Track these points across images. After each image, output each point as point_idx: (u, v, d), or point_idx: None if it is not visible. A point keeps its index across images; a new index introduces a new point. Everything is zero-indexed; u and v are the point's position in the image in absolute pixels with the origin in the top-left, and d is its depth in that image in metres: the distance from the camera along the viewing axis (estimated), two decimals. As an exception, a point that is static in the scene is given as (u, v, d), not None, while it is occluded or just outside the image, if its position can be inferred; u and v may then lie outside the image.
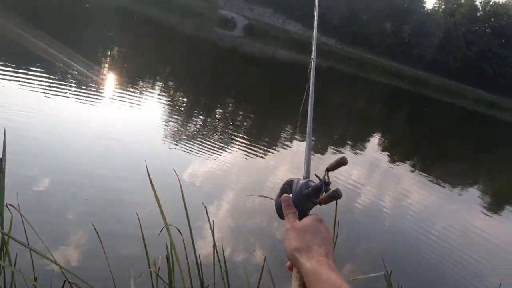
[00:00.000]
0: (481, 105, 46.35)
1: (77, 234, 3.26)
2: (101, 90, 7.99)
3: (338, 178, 6.62)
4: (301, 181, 0.85)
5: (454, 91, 53.09)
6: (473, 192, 9.38)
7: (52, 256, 1.62)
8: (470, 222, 6.96)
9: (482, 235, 6.39)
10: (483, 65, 73.02)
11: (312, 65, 1.20)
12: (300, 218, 0.82)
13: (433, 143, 15.07)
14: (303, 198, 0.82)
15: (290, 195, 0.84)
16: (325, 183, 0.82)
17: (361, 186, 6.89)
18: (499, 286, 1.98)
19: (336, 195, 0.79)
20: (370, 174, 8.29)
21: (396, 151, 11.87)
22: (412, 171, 9.40)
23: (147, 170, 1.56)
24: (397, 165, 9.60)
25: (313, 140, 9.10)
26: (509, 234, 7.18)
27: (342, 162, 0.87)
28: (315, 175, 0.85)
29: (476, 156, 15.49)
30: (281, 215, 0.85)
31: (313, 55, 1.24)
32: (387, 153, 10.74)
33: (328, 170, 0.86)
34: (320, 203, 0.82)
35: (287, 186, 0.88)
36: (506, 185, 12.01)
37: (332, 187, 0.82)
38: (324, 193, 0.82)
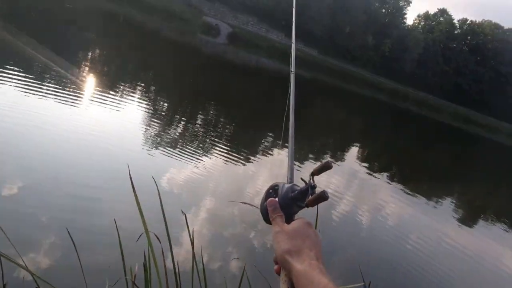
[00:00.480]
0: (458, 120, 47.63)
1: (50, 239, 3.16)
2: (79, 93, 7.84)
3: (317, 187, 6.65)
4: (287, 185, 0.85)
5: (431, 105, 54.45)
6: (448, 205, 9.58)
7: (23, 261, 1.56)
8: (445, 234, 7.08)
9: (457, 246, 6.52)
10: (459, 81, 75.35)
11: (292, 76, 1.23)
12: (287, 222, 0.81)
13: (410, 155, 15.36)
14: (289, 201, 0.82)
15: (276, 199, 0.83)
16: (311, 187, 0.82)
17: (339, 196, 6.94)
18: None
19: (323, 196, 0.80)
20: (348, 185, 8.36)
21: (375, 162, 12.03)
22: (389, 183, 9.54)
23: (130, 175, 1.53)
24: (375, 176, 9.72)
25: (294, 150, 9.14)
26: (481, 246, 7.34)
27: (327, 166, 0.87)
28: (301, 178, 0.85)
29: (451, 169, 15.85)
30: (267, 220, 0.84)
31: (292, 67, 1.27)
32: (365, 164, 10.87)
33: (313, 174, 0.86)
34: (308, 206, 0.82)
35: (272, 191, 0.87)
36: (479, 198, 12.32)
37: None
38: (310, 196, 0.81)
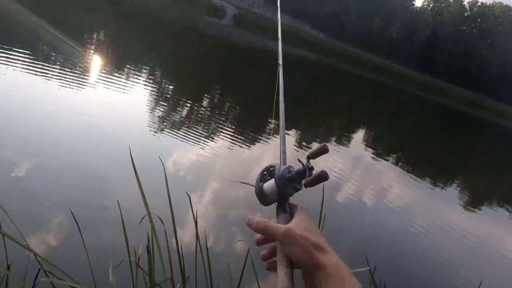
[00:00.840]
0: (464, 104, 47.15)
1: (54, 220, 3.17)
2: (85, 73, 7.80)
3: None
4: (283, 166, 0.82)
5: (438, 89, 53.86)
6: (453, 189, 9.55)
7: (27, 242, 1.56)
8: (449, 218, 7.07)
9: (462, 231, 6.51)
10: (467, 65, 74.22)
11: (280, 70, 1.22)
12: (280, 202, 0.80)
13: (416, 140, 15.27)
14: (286, 182, 0.79)
15: (272, 180, 0.81)
16: (309, 168, 0.80)
17: (343, 180, 6.92)
18: (479, 283, 1.99)
19: (323, 176, 0.77)
20: (352, 169, 8.34)
21: (380, 146, 11.98)
22: (395, 167, 9.50)
23: (131, 156, 1.50)
24: (380, 160, 9.68)
25: (294, 134, 9.09)
26: (486, 231, 7.33)
27: (323, 150, 0.84)
28: (298, 160, 0.83)
29: (456, 154, 15.75)
30: (262, 201, 0.82)
31: (280, 60, 1.25)
32: (370, 148, 10.82)
33: (309, 157, 0.83)
34: (306, 186, 0.79)
35: (266, 173, 0.85)
36: (485, 183, 12.26)
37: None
38: (308, 178, 0.79)
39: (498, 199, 10.29)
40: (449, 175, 11.22)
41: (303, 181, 0.79)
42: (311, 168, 0.80)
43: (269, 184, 0.82)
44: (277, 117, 1.03)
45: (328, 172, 0.78)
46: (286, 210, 0.80)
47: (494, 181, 13.17)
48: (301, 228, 0.72)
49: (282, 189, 0.79)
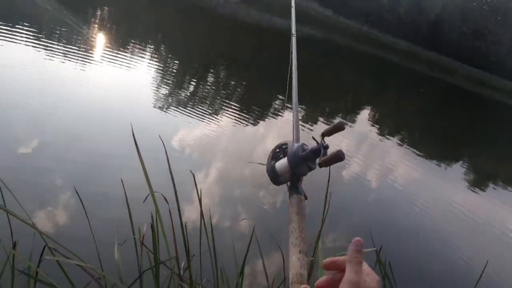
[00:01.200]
0: (473, 83, 46.44)
1: (59, 198, 3.18)
2: (89, 49, 7.73)
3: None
4: (296, 144, 0.78)
5: (447, 67, 53.04)
6: (459, 168, 9.49)
7: (32, 221, 1.55)
8: (455, 198, 7.05)
9: (470, 211, 6.48)
10: (477, 43, 72.73)
11: (293, 40, 1.16)
12: (292, 182, 0.76)
13: (423, 118, 15.12)
14: (299, 161, 0.75)
15: (285, 158, 0.77)
16: (324, 147, 0.75)
17: (349, 159, 6.89)
18: (486, 263, 1.97)
19: (340, 156, 0.71)
20: (358, 147, 8.29)
21: (386, 125, 11.88)
22: (400, 145, 9.44)
23: (133, 133, 1.48)
24: (386, 139, 9.62)
25: (303, 111, 9.02)
26: (492, 210, 7.31)
27: (339, 127, 0.80)
28: (312, 137, 0.78)
29: (463, 133, 15.62)
30: (274, 180, 0.78)
31: (293, 30, 1.20)
32: (376, 126, 10.74)
33: (324, 135, 0.79)
34: (321, 166, 0.74)
35: (279, 150, 0.80)
36: (491, 163, 12.17)
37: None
38: (322, 157, 0.74)
39: (504, 178, 10.22)
40: (455, 154, 11.16)
41: (318, 160, 0.74)
42: (326, 147, 0.75)
43: (282, 163, 0.78)
44: (290, 90, 0.99)
45: (333, 150, 0.74)
46: (299, 190, 0.76)
47: (500, 161, 13.07)
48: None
49: (295, 168, 0.75)
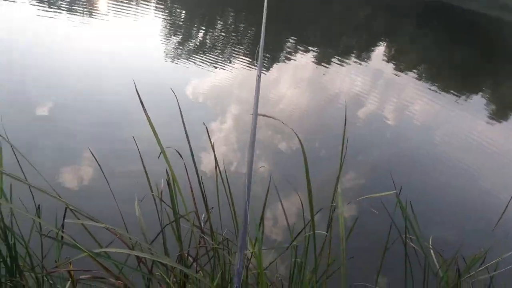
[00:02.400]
0: (494, 8, 43.90)
1: (76, 159, 3.22)
2: (98, 6, 7.53)
3: (340, 91, 6.46)
4: None
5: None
6: (479, 101, 9.23)
7: (50, 186, 1.56)
8: (475, 131, 6.91)
9: (491, 145, 6.36)
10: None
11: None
12: None
13: (440, 50, 14.55)
14: None
15: None
16: None
17: (366, 97, 6.75)
18: (510, 198, 1.93)
19: None
20: (374, 86, 8.09)
21: (402, 59, 11.50)
22: (418, 80, 9.18)
23: (136, 89, 1.43)
24: (403, 74, 9.34)
25: (317, 51, 8.74)
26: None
27: None
28: None
29: (481, 65, 15.02)
30: None
31: None
32: (392, 61, 10.41)
33: None
34: None
35: None
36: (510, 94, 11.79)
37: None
38: None
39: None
40: (474, 87, 10.81)
41: None
42: None
43: None
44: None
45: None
46: None
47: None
48: None
49: None
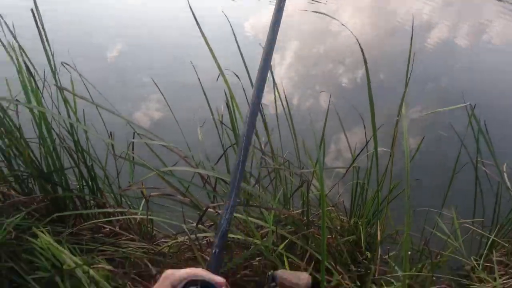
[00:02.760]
0: None
1: (137, 90, 3.39)
2: None
3: (406, 21, 5.98)
4: None
5: None
6: None
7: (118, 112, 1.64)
8: None
9: None
10: None
11: None
12: None
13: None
14: None
15: None
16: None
17: (436, 20, 6.19)
18: None
19: None
20: (446, 7, 7.37)
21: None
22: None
23: (192, 12, 1.41)
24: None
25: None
26: None
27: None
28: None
29: None
30: None
31: None
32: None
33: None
34: None
35: None
36: None
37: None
38: None
39: None
40: None
41: None
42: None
43: None
44: None
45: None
46: None
47: None
48: None
49: None
